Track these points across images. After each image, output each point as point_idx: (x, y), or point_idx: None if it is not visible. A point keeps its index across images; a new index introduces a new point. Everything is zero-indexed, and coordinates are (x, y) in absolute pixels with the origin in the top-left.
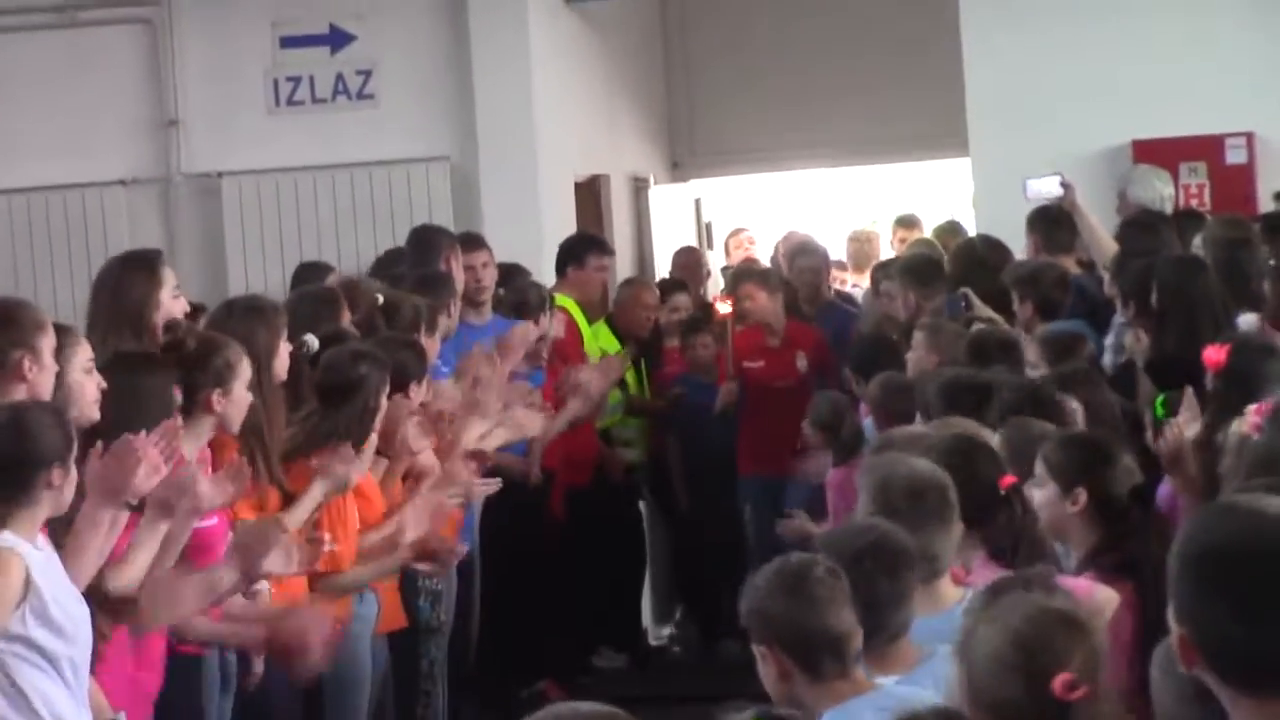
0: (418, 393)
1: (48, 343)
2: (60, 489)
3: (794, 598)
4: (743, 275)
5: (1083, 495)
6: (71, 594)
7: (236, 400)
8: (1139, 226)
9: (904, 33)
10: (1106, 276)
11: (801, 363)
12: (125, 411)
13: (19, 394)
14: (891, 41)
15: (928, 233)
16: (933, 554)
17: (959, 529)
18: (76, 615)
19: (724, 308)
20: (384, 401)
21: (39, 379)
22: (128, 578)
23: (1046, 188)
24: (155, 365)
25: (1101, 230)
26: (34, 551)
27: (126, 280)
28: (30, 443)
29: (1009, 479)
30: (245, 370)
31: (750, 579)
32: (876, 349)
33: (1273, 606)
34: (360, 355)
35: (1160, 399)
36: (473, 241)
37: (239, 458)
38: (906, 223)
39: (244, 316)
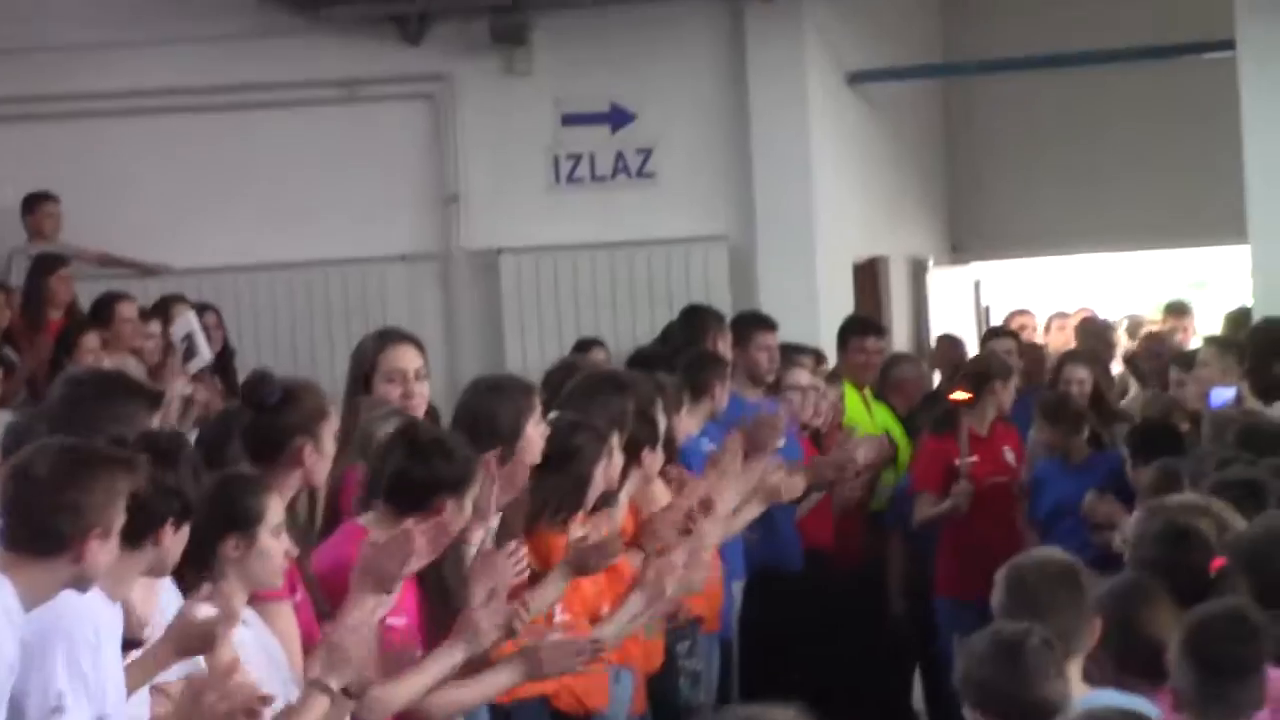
0: (651, 459)
1: (329, 429)
2: (84, 563)
3: (1008, 667)
4: (1073, 358)
5: None
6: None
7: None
8: None
9: (1188, 120)
10: None
11: (1009, 456)
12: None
13: (295, 480)
14: (1175, 127)
15: (1218, 320)
16: (1062, 633)
17: (1095, 619)
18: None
19: (961, 394)
20: (599, 473)
21: (316, 466)
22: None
23: None
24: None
25: None
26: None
27: (359, 351)
28: (58, 494)
29: (1218, 561)
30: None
31: (966, 644)
32: (1159, 435)
33: None
34: (578, 426)
35: None
36: (765, 323)
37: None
38: (1177, 310)
39: (486, 395)
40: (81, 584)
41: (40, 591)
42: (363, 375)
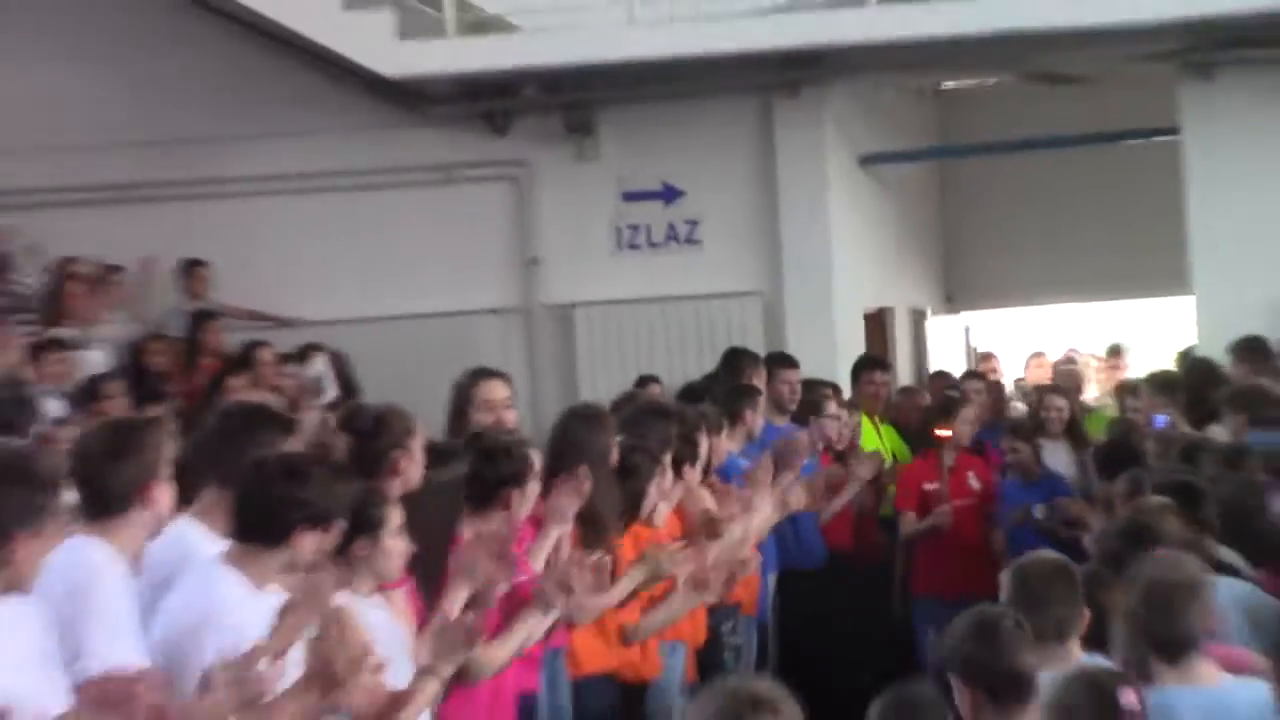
0: (691, 474)
1: (417, 441)
2: (155, 507)
3: (987, 642)
4: (1051, 390)
5: None
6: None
7: (417, 460)
8: None
9: (1137, 191)
10: None
11: (974, 482)
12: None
13: (395, 487)
14: (1128, 198)
15: (1169, 360)
16: (1061, 619)
17: (1085, 606)
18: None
19: (944, 431)
20: (653, 489)
21: (410, 472)
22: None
23: None
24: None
25: None
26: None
27: (457, 387)
28: (119, 460)
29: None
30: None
31: (951, 625)
32: (1120, 452)
33: None
34: (635, 448)
35: None
36: (789, 362)
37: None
38: (1115, 351)
39: (579, 422)
40: (158, 527)
41: (131, 544)
42: (461, 407)
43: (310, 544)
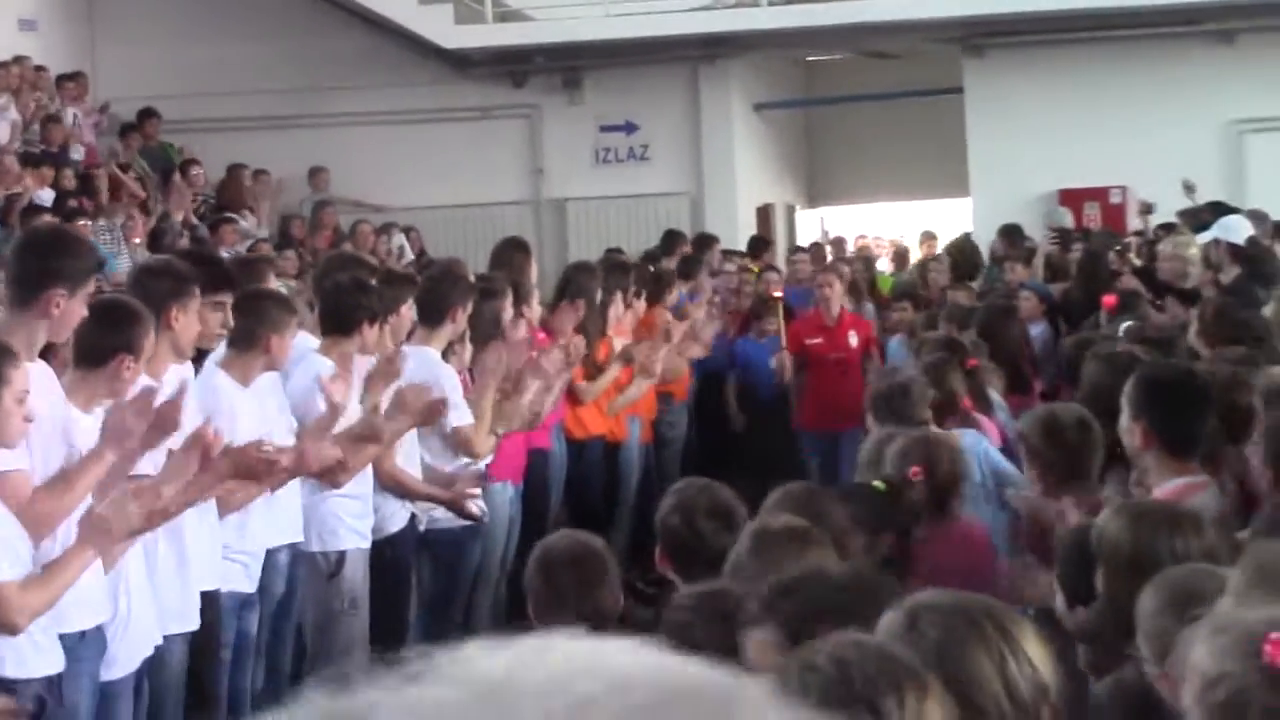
0: (640, 304)
1: (473, 298)
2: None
3: (903, 395)
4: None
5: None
6: None
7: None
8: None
9: (938, 132)
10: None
11: (853, 340)
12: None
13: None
14: (929, 133)
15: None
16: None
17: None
18: None
19: (778, 293)
20: (612, 313)
21: (462, 320)
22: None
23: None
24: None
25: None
26: None
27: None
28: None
29: (973, 361)
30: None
31: (874, 383)
32: (918, 299)
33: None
34: (605, 289)
35: None
36: (711, 240)
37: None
38: (928, 235)
39: (580, 272)
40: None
41: (252, 372)
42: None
43: (371, 335)
